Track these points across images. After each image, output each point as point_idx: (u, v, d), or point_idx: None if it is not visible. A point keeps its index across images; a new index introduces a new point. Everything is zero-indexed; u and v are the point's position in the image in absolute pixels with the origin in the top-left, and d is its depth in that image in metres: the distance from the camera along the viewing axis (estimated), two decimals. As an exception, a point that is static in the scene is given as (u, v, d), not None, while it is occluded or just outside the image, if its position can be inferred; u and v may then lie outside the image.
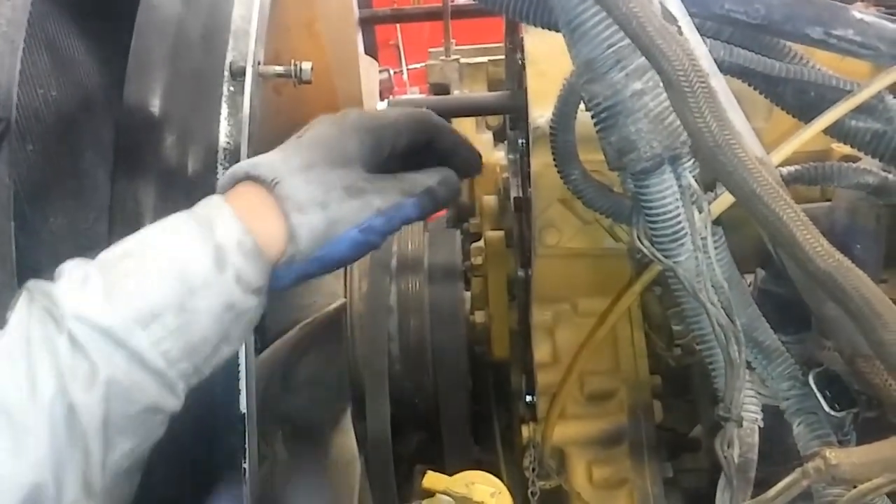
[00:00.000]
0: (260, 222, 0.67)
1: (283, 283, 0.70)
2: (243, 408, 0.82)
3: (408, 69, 3.96)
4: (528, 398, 1.20)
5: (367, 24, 2.51)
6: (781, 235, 0.46)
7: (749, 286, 0.93)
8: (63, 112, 0.92)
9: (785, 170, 0.73)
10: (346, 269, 1.47)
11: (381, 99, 2.30)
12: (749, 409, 0.63)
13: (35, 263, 0.77)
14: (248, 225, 0.66)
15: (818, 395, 0.64)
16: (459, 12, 2.06)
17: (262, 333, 1.25)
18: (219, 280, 0.65)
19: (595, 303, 1.09)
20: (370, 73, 2.01)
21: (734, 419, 0.62)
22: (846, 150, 0.89)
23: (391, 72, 2.98)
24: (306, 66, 0.90)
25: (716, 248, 0.65)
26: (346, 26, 1.46)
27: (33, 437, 0.56)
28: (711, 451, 1.11)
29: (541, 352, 1.10)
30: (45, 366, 0.58)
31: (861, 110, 0.68)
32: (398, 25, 3.73)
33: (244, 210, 0.67)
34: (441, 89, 1.80)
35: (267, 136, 1.18)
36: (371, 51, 2.70)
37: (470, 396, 1.51)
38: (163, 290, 0.63)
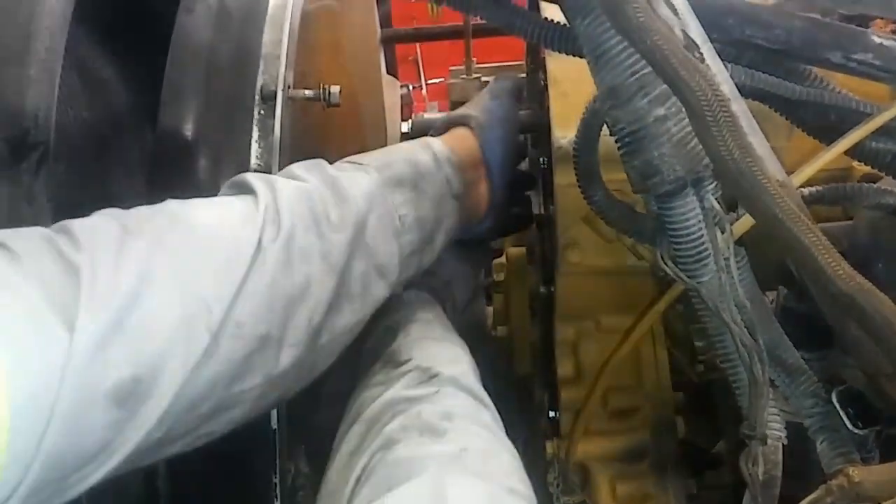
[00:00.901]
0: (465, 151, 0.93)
1: None
2: (274, 423, 0.83)
3: (427, 84, 3.99)
4: (552, 413, 1.21)
5: (389, 42, 2.54)
6: (803, 259, 0.47)
7: (772, 303, 0.94)
8: (93, 132, 0.95)
9: (806, 190, 0.74)
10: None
11: (402, 115, 2.32)
12: (773, 427, 0.64)
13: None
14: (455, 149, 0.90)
15: (841, 412, 0.65)
16: (480, 31, 2.09)
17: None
18: (437, 175, 0.86)
19: (618, 320, 1.10)
20: (392, 92, 2.04)
21: (758, 437, 0.63)
22: (867, 168, 0.90)
23: (410, 87, 3.01)
24: (335, 89, 0.92)
25: (738, 268, 0.66)
26: (370, 47, 1.48)
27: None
28: (734, 468, 1.11)
29: (564, 368, 1.11)
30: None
31: (882, 132, 0.69)
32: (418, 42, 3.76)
33: (453, 140, 0.94)
34: (462, 107, 1.82)
35: (295, 154, 1.21)
36: (391, 66, 2.72)
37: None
38: (402, 167, 0.83)
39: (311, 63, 1.19)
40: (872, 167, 0.74)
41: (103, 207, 0.93)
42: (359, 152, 1.40)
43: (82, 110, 0.92)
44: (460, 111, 1.02)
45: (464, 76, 1.91)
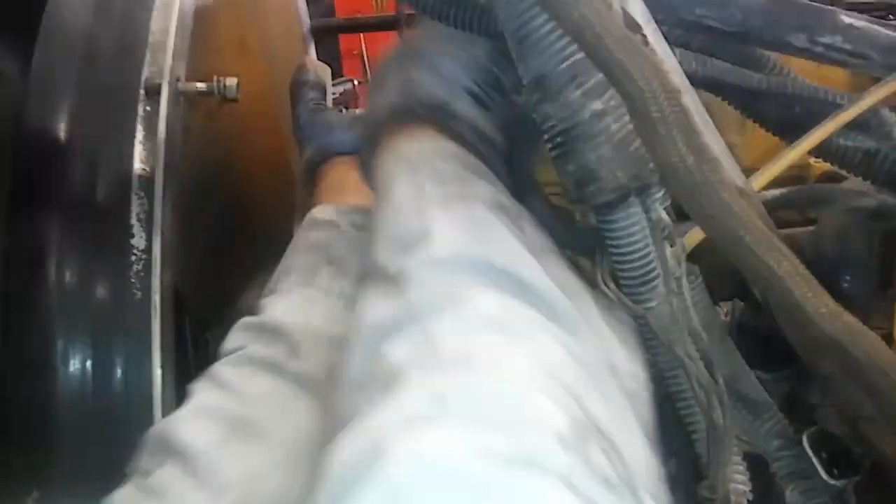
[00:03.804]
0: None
1: None
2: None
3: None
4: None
5: (327, 33, 2.42)
6: (775, 291, 0.37)
7: (725, 316, 0.85)
8: None
9: (769, 194, 0.65)
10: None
11: (347, 108, 2.20)
12: (737, 481, 0.54)
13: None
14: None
15: (814, 459, 0.55)
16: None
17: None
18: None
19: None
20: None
21: (721, 501, 0.53)
22: (825, 166, 0.81)
23: (355, 82, 2.90)
24: (231, 82, 0.80)
25: (692, 289, 0.56)
26: (289, 38, 1.36)
27: None
28: (689, 492, 1.02)
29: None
30: None
31: (851, 126, 0.60)
32: (362, 35, 3.65)
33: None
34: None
35: (204, 159, 1.09)
36: (335, 61, 2.60)
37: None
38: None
39: (217, 62, 1.08)
40: (839, 167, 0.65)
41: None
42: (279, 154, 1.29)
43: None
44: (316, 147, 0.88)
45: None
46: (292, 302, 0.69)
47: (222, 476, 0.55)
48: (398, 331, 0.38)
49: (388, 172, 0.52)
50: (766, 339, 0.72)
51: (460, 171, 0.50)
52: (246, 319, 0.69)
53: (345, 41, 3.13)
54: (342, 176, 0.82)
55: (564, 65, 0.49)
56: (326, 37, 2.40)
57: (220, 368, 0.65)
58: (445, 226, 0.43)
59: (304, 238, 0.77)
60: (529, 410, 0.33)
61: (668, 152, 0.36)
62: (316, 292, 0.69)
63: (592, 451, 0.33)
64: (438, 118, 0.53)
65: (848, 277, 0.69)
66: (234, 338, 0.68)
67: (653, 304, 0.54)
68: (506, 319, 0.39)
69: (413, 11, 0.62)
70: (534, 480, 0.29)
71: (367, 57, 3.91)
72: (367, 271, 0.46)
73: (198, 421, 0.59)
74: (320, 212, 0.78)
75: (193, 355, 1.13)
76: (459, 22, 0.58)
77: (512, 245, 0.44)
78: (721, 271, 0.75)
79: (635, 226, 0.53)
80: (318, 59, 2.29)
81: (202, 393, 0.63)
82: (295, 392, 0.62)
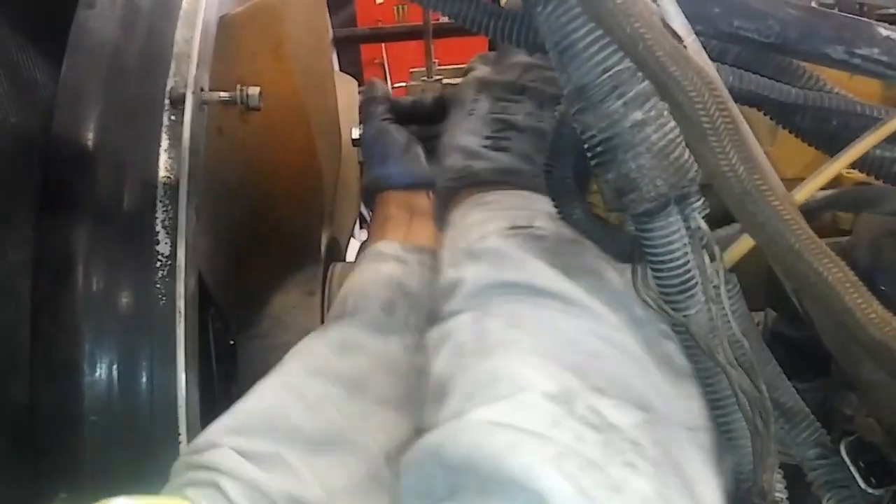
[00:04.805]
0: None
1: None
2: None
3: (393, 88, 3.89)
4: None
5: (350, 43, 2.44)
6: (825, 297, 0.38)
7: (757, 325, 0.85)
8: (22, 137, 0.85)
9: (821, 194, 0.65)
10: (322, 306, 1.39)
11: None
12: (774, 488, 0.55)
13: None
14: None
15: (852, 468, 0.55)
16: (442, 31, 1.99)
17: (235, 378, 1.17)
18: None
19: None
20: (349, 93, 1.93)
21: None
22: (859, 176, 0.81)
23: (376, 91, 2.90)
24: (253, 91, 0.82)
25: (730, 297, 0.56)
26: (318, 46, 1.38)
27: None
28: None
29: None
30: None
31: (888, 139, 0.60)
32: (383, 44, 3.67)
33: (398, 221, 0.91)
34: (422, 111, 1.71)
35: (235, 166, 1.10)
36: (356, 69, 2.64)
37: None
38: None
39: (250, 66, 1.09)
40: (875, 177, 0.65)
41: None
42: (308, 159, 1.30)
43: (10, 115, 0.83)
44: (370, 176, 0.96)
45: (424, 78, 1.80)
46: (372, 325, 0.75)
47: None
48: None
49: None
50: (799, 349, 0.73)
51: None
52: (324, 332, 0.75)
53: (366, 50, 3.16)
54: (388, 212, 0.89)
55: (606, 75, 0.50)
56: (348, 46, 2.43)
57: (295, 379, 0.68)
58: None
59: (374, 269, 0.82)
60: (521, 381, 0.45)
61: (718, 161, 0.37)
62: (395, 323, 0.75)
63: (579, 405, 0.43)
64: (469, 181, 0.69)
65: (883, 287, 0.69)
66: (311, 347, 0.73)
67: (691, 311, 0.54)
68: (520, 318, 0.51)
69: (452, 21, 0.63)
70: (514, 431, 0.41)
71: (389, 66, 3.93)
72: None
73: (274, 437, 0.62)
74: (385, 247, 0.84)
75: (217, 360, 1.14)
76: (499, 33, 0.59)
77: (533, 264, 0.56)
78: (754, 280, 0.76)
79: (674, 234, 0.53)
80: (341, 68, 2.31)
81: (276, 403, 0.65)
82: (371, 410, 0.66)
